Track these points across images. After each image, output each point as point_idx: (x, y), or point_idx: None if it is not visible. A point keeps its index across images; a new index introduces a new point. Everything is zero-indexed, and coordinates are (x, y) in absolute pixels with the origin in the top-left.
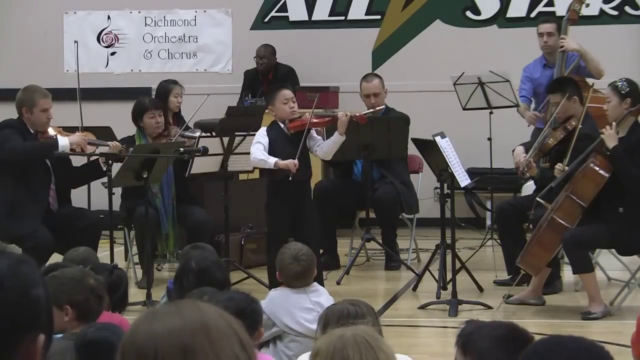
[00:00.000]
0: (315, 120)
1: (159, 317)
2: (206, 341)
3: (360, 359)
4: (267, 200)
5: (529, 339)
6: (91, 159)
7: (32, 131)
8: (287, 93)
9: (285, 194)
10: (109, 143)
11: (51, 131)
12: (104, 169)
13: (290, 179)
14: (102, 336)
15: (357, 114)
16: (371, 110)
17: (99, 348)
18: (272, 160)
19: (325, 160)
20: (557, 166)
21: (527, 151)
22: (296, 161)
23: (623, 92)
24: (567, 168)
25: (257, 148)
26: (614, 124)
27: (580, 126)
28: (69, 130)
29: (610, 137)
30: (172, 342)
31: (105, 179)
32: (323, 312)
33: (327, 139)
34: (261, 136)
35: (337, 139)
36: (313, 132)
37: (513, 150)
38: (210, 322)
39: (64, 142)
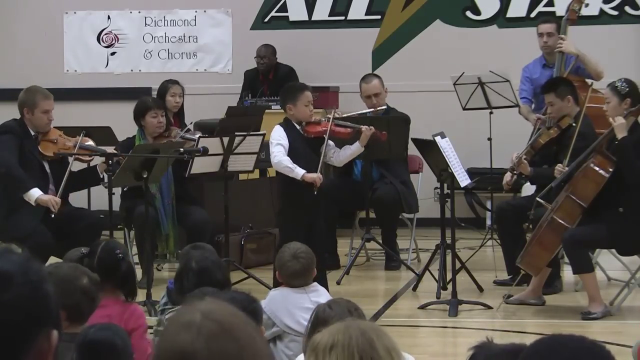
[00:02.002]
0: (335, 129)
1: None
2: (245, 328)
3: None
4: (281, 207)
5: None
6: (91, 163)
7: (32, 132)
8: (310, 95)
9: (301, 203)
10: (105, 149)
11: (54, 134)
12: (101, 176)
13: (315, 193)
14: (103, 336)
15: (376, 131)
16: (371, 109)
17: (100, 348)
18: (299, 172)
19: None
20: (557, 166)
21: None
22: (321, 175)
23: (622, 92)
24: (567, 168)
25: (280, 151)
26: (619, 117)
27: (573, 124)
28: (68, 131)
29: (620, 127)
30: (209, 347)
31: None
32: (313, 313)
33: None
34: (281, 137)
35: (357, 149)
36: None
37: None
38: (239, 313)
39: (34, 194)
